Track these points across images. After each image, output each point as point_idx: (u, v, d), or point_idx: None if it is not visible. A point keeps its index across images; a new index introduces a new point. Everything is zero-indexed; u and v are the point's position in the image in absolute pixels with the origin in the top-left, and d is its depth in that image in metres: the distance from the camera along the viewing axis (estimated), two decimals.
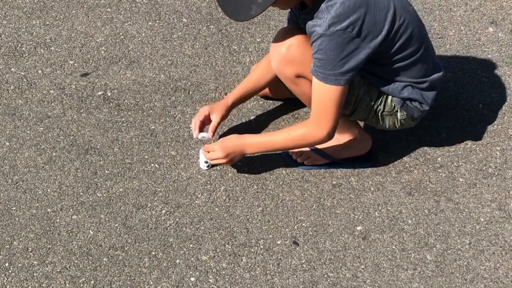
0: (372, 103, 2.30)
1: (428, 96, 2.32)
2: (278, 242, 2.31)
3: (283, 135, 2.31)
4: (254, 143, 2.34)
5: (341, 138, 2.42)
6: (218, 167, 2.47)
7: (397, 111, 2.33)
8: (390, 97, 2.31)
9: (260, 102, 2.67)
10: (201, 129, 2.45)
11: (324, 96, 2.17)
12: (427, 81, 2.30)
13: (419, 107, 2.33)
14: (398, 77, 2.27)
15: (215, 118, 2.45)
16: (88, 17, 2.95)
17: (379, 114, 2.33)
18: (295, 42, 2.21)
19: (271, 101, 2.67)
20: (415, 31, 2.21)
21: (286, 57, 2.23)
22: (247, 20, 2.14)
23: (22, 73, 2.75)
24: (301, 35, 2.21)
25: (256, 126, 2.60)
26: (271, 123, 2.61)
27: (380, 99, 2.31)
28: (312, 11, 2.13)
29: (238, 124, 2.61)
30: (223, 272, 2.23)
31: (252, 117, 2.64)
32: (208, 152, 2.38)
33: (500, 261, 2.27)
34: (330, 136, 2.24)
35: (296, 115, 2.63)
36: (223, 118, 2.46)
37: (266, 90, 2.59)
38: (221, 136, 2.50)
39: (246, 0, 2.08)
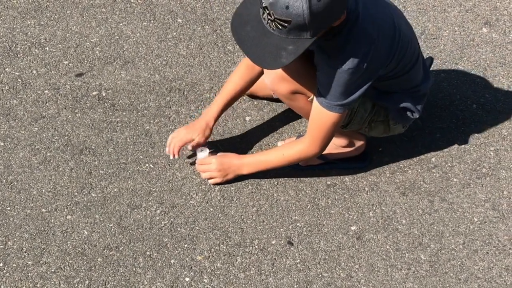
0: (367, 115, 2.30)
1: (420, 104, 2.34)
2: (273, 242, 2.31)
3: (277, 154, 2.32)
4: (250, 163, 2.36)
5: (336, 140, 2.43)
6: None
7: (389, 119, 2.34)
8: (383, 107, 2.32)
9: (255, 103, 2.67)
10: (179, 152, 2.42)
11: (325, 121, 2.17)
12: (420, 90, 2.31)
13: (410, 116, 2.35)
14: (392, 89, 2.28)
15: (198, 139, 2.40)
16: (83, 17, 2.95)
17: (372, 123, 2.34)
18: (293, 63, 2.15)
19: (265, 101, 2.68)
20: (411, 45, 2.20)
21: (281, 75, 2.20)
22: (277, 68, 2.06)
23: (17, 73, 2.75)
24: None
25: (250, 126, 2.61)
26: (265, 124, 2.61)
27: (374, 110, 2.31)
28: (329, 41, 2.06)
29: (233, 125, 2.61)
30: (218, 272, 2.24)
31: (247, 118, 2.64)
32: (203, 164, 2.39)
33: (494, 260, 2.28)
34: (322, 151, 2.26)
35: (291, 115, 2.63)
36: (207, 138, 2.43)
37: (253, 90, 2.57)
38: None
39: (273, 46, 1.94)
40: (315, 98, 2.16)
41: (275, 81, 2.23)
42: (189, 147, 2.43)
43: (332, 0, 1.88)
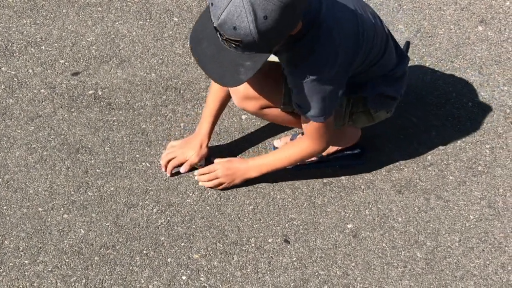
0: (344, 109, 2.28)
1: (398, 86, 2.30)
2: (269, 240, 2.32)
3: (282, 155, 2.31)
4: (256, 166, 2.34)
5: None
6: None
7: (369, 108, 2.32)
8: (360, 98, 2.29)
9: None
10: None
11: (316, 128, 2.17)
12: (395, 72, 2.28)
13: (390, 101, 2.32)
14: (365, 79, 2.24)
15: (192, 159, 2.40)
16: (79, 16, 2.95)
17: (353, 116, 2.33)
18: (252, 78, 2.05)
19: None
20: (377, 35, 2.16)
21: (246, 95, 2.19)
22: (237, 86, 1.99)
23: (13, 72, 2.75)
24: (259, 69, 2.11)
25: (247, 124, 2.61)
26: (261, 122, 2.61)
27: (351, 103, 2.29)
28: (291, 51, 2.03)
29: (229, 123, 2.61)
30: (215, 271, 2.24)
31: (243, 116, 2.64)
32: (205, 174, 2.38)
33: (490, 258, 2.29)
34: (327, 145, 2.25)
35: None
36: (202, 157, 2.42)
37: None
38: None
39: (230, 63, 1.88)
40: (303, 114, 2.14)
41: (241, 101, 2.22)
42: (182, 170, 2.42)
43: (281, 14, 1.79)
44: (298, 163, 2.39)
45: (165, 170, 2.43)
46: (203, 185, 2.40)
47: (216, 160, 2.39)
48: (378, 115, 2.35)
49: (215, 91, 2.39)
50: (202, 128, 2.42)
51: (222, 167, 2.37)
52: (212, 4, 1.83)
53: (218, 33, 1.86)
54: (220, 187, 2.39)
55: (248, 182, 2.43)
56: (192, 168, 2.43)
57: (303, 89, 2.04)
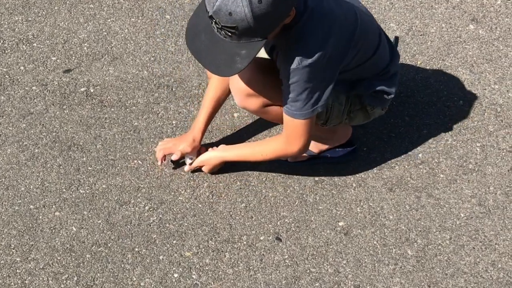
0: (343, 107, 2.30)
1: (392, 83, 2.32)
2: (261, 238, 2.32)
3: (255, 151, 2.32)
4: (228, 157, 2.36)
5: (319, 132, 2.43)
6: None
7: (366, 105, 2.34)
8: (357, 95, 2.31)
9: None
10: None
11: (297, 127, 2.15)
12: (389, 70, 2.30)
13: (385, 97, 2.33)
14: (362, 77, 2.27)
15: (183, 148, 2.41)
16: (71, 13, 2.94)
17: (351, 114, 2.34)
18: (254, 75, 2.14)
19: None
20: (372, 28, 2.19)
21: (247, 92, 2.19)
22: (234, 74, 2.03)
23: (4, 70, 2.74)
24: (258, 65, 2.14)
25: (239, 122, 2.61)
26: (254, 120, 2.62)
27: (350, 101, 2.31)
28: (282, 40, 2.05)
29: (221, 121, 2.62)
30: (206, 268, 2.24)
31: (235, 114, 2.64)
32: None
33: (480, 256, 2.30)
34: (304, 150, 2.23)
35: None
36: (195, 149, 2.43)
37: None
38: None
39: (227, 53, 1.93)
40: (286, 112, 2.14)
41: (243, 99, 2.22)
42: (173, 158, 2.42)
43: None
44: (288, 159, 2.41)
45: (158, 159, 2.43)
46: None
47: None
48: (373, 112, 2.37)
49: (213, 90, 2.40)
50: (196, 125, 2.43)
51: (206, 165, 2.41)
52: None
53: (213, 22, 1.90)
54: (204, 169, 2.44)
55: (240, 179, 2.44)
56: (182, 163, 2.44)
57: (294, 78, 2.04)
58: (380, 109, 2.37)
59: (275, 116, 2.28)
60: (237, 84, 2.18)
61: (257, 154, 2.31)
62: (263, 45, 1.94)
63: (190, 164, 2.43)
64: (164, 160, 2.44)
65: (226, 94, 2.41)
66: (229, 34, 1.90)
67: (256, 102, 2.22)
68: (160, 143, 2.46)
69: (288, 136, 2.20)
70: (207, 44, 1.96)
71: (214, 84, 2.39)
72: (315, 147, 2.47)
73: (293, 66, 2.02)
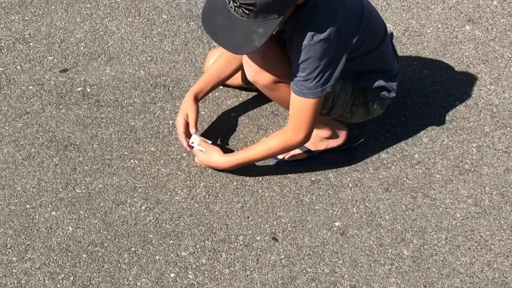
0: (348, 98, 2.33)
1: (394, 83, 2.38)
2: (258, 238, 2.33)
3: (262, 147, 2.33)
4: (233, 161, 2.37)
5: (318, 132, 2.44)
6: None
7: (368, 101, 2.36)
8: (362, 89, 2.35)
9: (240, 99, 2.68)
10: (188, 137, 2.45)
11: (304, 108, 2.19)
12: (393, 69, 2.36)
13: (387, 95, 2.38)
14: (367, 69, 2.32)
15: (192, 117, 2.45)
16: (68, 12, 2.94)
17: (353, 107, 2.36)
18: (267, 50, 2.17)
19: (250, 97, 2.68)
20: (377, 19, 2.27)
21: (261, 65, 2.21)
22: (253, 51, 2.06)
23: (1, 69, 2.74)
24: (272, 42, 2.16)
25: (236, 122, 2.62)
26: (251, 120, 2.62)
27: (355, 93, 2.34)
28: (294, 20, 2.10)
29: (219, 121, 2.62)
30: (203, 268, 2.25)
31: (231, 114, 2.65)
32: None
33: (476, 256, 2.31)
34: (307, 139, 2.27)
35: (275, 112, 2.64)
36: (198, 111, 2.47)
37: (237, 81, 2.60)
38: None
39: (244, 32, 2.00)
40: (291, 86, 2.18)
41: (255, 73, 2.25)
42: (192, 131, 2.43)
43: None
44: (285, 158, 2.42)
45: (187, 148, 2.44)
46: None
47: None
48: (373, 110, 2.40)
49: (227, 59, 2.44)
50: (192, 91, 2.46)
51: (199, 156, 2.40)
52: None
53: (232, 1, 1.96)
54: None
55: (236, 179, 2.44)
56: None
57: (305, 55, 2.09)
58: (380, 107, 2.41)
59: (283, 94, 2.29)
60: (249, 58, 2.22)
61: (264, 149, 2.32)
62: (280, 23, 1.99)
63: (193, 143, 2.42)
64: (188, 145, 2.43)
65: (233, 73, 2.47)
66: (247, 12, 1.96)
67: (267, 77, 2.24)
68: (176, 131, 2.47)
69: (294, 122, 2.23)
70: (224, 24, 2.02)
71: (226, 59, 2.44)
72: (312, 146, 2.48)
73: (305, 42, 2.08)
